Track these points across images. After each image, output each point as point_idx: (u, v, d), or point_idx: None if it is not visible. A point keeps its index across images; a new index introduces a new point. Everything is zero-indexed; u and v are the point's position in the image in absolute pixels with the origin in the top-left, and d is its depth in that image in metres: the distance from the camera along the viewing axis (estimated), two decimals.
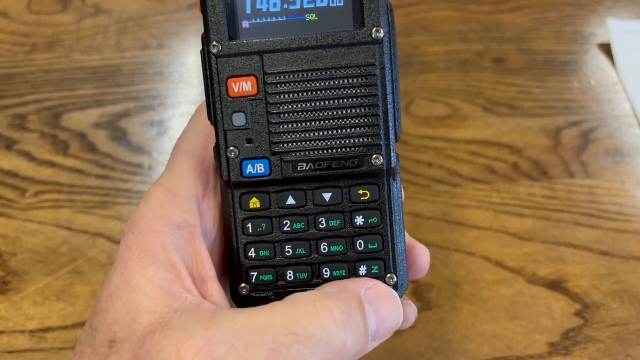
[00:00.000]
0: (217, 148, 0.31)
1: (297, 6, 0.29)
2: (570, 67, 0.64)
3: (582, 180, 0.54)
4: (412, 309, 0.33)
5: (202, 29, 0.30)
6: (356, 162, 0.30)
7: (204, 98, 0.60)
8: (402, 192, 0.32)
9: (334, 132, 0.30)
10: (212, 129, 0.31)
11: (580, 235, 0.51)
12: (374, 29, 0.29)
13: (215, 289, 0.29)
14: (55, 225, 0.51)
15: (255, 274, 0.31)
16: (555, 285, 0.48)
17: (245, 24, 0.30)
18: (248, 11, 0.30)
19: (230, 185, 0.31)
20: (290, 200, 0.31)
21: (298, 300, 0.27)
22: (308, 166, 0.30)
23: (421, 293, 0.47)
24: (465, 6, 0.70)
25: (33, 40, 0.66)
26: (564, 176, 0.55)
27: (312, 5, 0.29)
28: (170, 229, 0.29)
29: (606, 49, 0.66)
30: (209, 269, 0.29)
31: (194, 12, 0.68)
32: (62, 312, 0.46)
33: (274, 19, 0.30)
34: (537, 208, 0.52)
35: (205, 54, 0.30)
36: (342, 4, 0.29)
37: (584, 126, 0.59)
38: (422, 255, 0.35)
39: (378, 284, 0.30)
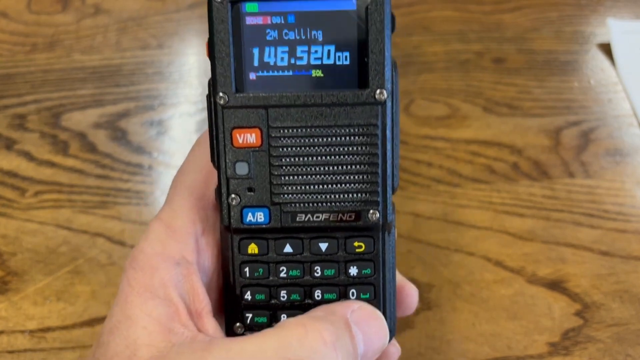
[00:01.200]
0: (218, 191, 0.31)
1: (304, 62, 0.30)
2: (570, 67, 0.64)
3: (582, 180, 0.54)
4: (396, 349, 0.34)
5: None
6: (353, 217, 0.31)
7: (204, 98, 0.60)
8: (395, 237, 0.33)
9: (334, 186, 0.30)
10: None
11: (581, 235, 0.51)
12: (378, 91, 0.30)
13: (211, 324, 0.30)
14: (55, 225, 0.51)
15: (251, 315, 0.32)
16: (555, 285, 0.48)
17: (252, 75, 0.30)
18: (256, 64, 0.30)
19: (230, 230, 0.31)
20: (288, 248, 0.31)
21: (288, 325, 0.28)
22: (307, 217, 0.31)
23: (421, 293, 0.47)
24: (465, 6, 0.70)
25: (33, 40, 0.66)
26: (564, 176, 0.55)
27: (318, 62, 0.30)
28: (169, 265, 0.30)
29: (606, 49, 0.66)
30: (205, 305, 0.30)
31: (194, 12, 0.68)
32: (62, 312, 0.46)
33: (280, 73, 0.30)
34: (537, 208, 0.52)
35: (212, 103, 0.30)
36: (348, 62, 0.30)
37: (584, 126, 0.59)
38: (411, 296, 0.36)
39: (363, 305, 0.30)
